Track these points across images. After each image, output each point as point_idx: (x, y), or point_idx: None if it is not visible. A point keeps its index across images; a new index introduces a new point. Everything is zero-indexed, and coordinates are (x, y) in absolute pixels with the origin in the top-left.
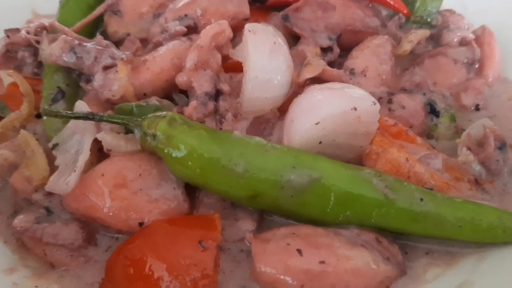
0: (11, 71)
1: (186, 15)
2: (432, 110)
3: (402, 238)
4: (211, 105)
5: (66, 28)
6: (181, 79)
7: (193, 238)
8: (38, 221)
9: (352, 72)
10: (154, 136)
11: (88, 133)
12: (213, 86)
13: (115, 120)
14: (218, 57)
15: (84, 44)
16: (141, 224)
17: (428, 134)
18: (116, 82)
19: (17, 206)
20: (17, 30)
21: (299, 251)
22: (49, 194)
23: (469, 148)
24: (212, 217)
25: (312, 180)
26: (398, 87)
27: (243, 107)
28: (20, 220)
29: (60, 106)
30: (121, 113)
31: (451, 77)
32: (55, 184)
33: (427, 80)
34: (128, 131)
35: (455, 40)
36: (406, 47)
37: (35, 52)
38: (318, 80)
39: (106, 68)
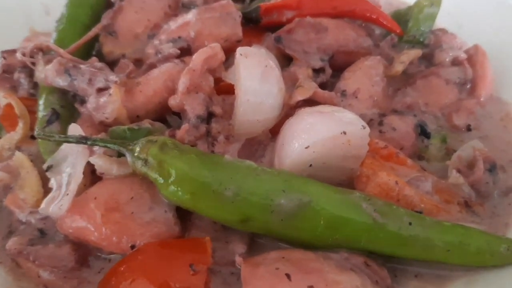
0: (7, 93)
1: (179, 37)
2: (422, 132)
3: (391, 261)
4: (202, 128)
5: (61, 50)
6: (173, 102)
7: (184, 262)
8: (32, 243)
9: (343, 93)
10: (145, 161)
11: (81, 156)
12: (205, 108)
13: (108, 145)
14: (211, 80)
15: (79, 66)
16: (132, 247)
17: (419, 155)
18: (110, 105)
19: (12, 227)
20: (13, 51)
21: (287, 275)
22: (43, 216)
23: (459, 170)
24: (203, 240)
25: (302, 204)
26: (390, 107)
27: (235, 129)
28: (14, 242)
29: (54, 128)
30: (114, 136)
31: (443, 97)
32: (48, 207)
33: (418, 101)
34: (120, 154)
35: (447, 59)
36: (398, 67)
37: (31, 73)
38: (310, 101)
39: (100, 90)
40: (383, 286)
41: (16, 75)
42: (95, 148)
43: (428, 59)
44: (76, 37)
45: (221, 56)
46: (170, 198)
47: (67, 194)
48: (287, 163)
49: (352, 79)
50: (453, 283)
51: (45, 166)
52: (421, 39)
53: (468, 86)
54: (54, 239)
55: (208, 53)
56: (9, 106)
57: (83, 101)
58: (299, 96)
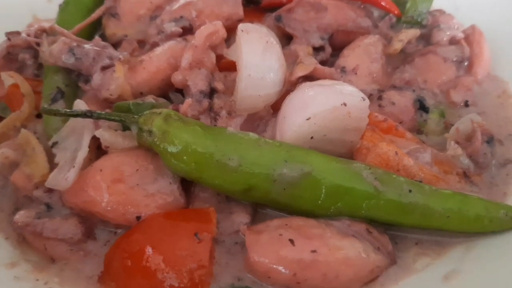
0: (12, 72)
1: (181, 17)
2: (421, 106)
3: (392, 229)
4: (205, 102)
5: (65, 31)
6: (176, 78)
7: (189, 231)
8: (39, 217)
9: (343, 70)
10: (150, 132)
11: (86, 131)
12: (207, 84)
13: (113, 118)
14: (213, 56)
15: (83, 45)
16: (138, 218)
17: (418, 129)
18: (114, 82)
19: (19, 203)
20: (18, 33)
21: (291, 241)
22: (49, 190)
23: (457, 142)
24: (208, 211)
25: (304, 174)
26: (388, 84)
27: (237, 105)
28: (21, 216)
29: (59, 106)
30: (118, 111)
31: (441, 74)
32: (55, 180)
33: (417, 77)
34: (125, 128)
35: (444, 39)
36: (397, 46)
37: (36, 54)
38: (310, 78)
39: (104, 68)
40: (384, 252)
41: (21, 56)
42: (101, 123)
43: (425, 39)
44: (79, 19)
45: (223, 33)
46: (174, 169)
47: (73, 167)
48: (289, 135)
49: (351, 56)
50: (453, 249)
51: (50, 143)
52: (419, 20)
53: (465, 64)
54: (60, 212)
55: (210, 29)
56: (14, 86)
57: (87, 80)
58: (300, 72)
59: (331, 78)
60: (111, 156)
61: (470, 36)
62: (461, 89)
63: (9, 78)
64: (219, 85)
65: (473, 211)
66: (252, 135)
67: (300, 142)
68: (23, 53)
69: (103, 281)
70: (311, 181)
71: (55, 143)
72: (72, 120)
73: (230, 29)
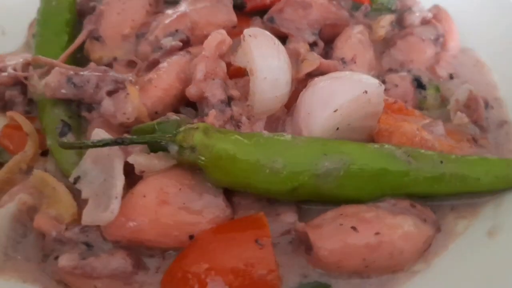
0: (11, 112)
1: (177, 30)
2: (419, 84)
3: (428, 200)
4: (228, 111)
5: (54, 60)
6: (192, 91)
7: (248, 239)
8: (83, 257)
9: (343, 61)
10: (192, 148)
11: (116, 158)
12: (224, 93)
13: (147, 140)
14: (223, 65)
15: (80, 73)
16: (191, 237)
17: (419, 107)
18: (129, 105)
19: (47, 249)
20: (0, 70)
21: (353, 228)
22: (84, 228)
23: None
24: (258, 216)
25: (344, 163)
26: (382, 70)
27: (255, 109)
28: (65, 260)
29: (70, 139)
30: (141, 134)
31: (423, 53)
32: (94, 216)
33: (404, 59)
34: (153, 149)
35: (416, 21)
36: (380, 32)
37: (24, 90)
38: (313, 74)
39: (111, 93)
40: (430, 223)
41: (7, 94)
42: (130, 148)
43: (398, 23)
44: (59, 47)
45: (229, 40)
46: (219, 181)
47: (116, 198)
48: (318, 129)
49: (346, 47)
50: (484, 208)
51: (71, 179)
52: (389, 6)
53: (441, 40)
54: (103, 248)
55: (218, 38)
56: (8, 127)
57: (90, 108)
58: (307, 68)
59: (335, 70)
60: (150, 180)
61: (437, 15)
62: (443, 63)
63: (1, 119)
64: (234, 92)
65: (498, 170)
66: (287, 135)
67: (327, 135)
68: (10, 91)
69: None
70: (352, 169)
71: (77, 179)
72: (91, 151)
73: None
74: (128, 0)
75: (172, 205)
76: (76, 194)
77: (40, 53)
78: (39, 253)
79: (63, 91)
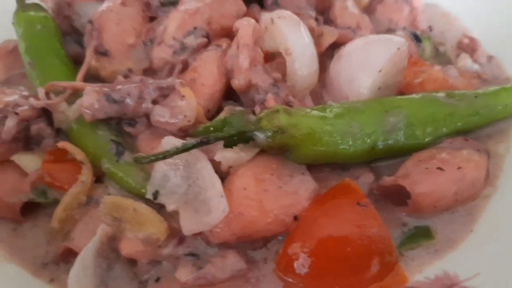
0: (63, 142)
1: (195, 28)
2: (416, 38)
3: (467, 134)
4: (282, 93)
5: (74, 82)
6: (241, 82)
7: (350, 204)
8: (199, 267)
9: (352, 29)
10: (282, 130)
11: (201, 160)
12: (271, 77)
13: (232, 133)
14: (260, 51)
15: (117, 87)
16: (295, 218)
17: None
18: (187, 107)
19: (142, 276)
20: (17, 104)
21: (439, 168)
22: (180, 242)
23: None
24: (346, 182)
25: (405, 116)
26: (380, 31)
27: (297, 87)
28: (185, 274)
29: (127, 157)
30: (207, 133)
31: (401, 12)
32: (198, 223)
33: (391, 19)
34: (228, 143)
35: None
36: (364, 0)
37: (50, 121)
38: (333, 45)
39: (156, 102)
40: (483, 151)
41: (34, 127)
42: (211, 147)
43: None
44: (63, 70)
45: (259, 27)
46: (308, 156)
47: (222, 196)
48: (365, 92)
49: (347, 17)
50: None
51: (149, 195)
52: None
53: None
54: (209, 254)
55: (251, 26)
56: (47, 162)
57: (131, 124)
58: (328, 40)
59: (351, 38)
60: (242, 172)
61: None
62: (420, 18)
63: (32, 160)
64: (276, 75)
65: None
66: (347, 101)
67: (372, 96)
68: (36, 124)
69: None
70: (410, 120)
71: (156, 193)
72: (159, 163)
73: None
74: (120, 9)
75: (272, 191)
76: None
77: (47, 80)
78: (132, 281)
79: (105, 110)
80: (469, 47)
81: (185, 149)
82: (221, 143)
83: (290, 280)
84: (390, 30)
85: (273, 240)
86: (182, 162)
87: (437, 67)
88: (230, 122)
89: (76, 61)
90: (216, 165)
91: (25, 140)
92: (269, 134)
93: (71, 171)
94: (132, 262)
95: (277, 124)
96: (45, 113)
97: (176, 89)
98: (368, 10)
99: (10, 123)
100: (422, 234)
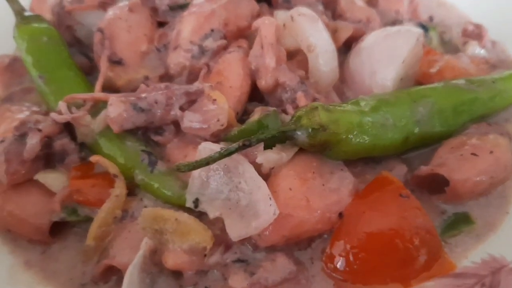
0: (96, 156)
1: (212, 30)
2: (424, 28)
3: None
4: (310, 91)
5: (94, 94)
6: (269, 81)
7: (392, 196)
8: (251, 273)
9: (362, 22)
10: (323, 127)
11: (243, 164)
12: (296, 75)
13: (273, 134)
14: (283, 49)
15: (143, 96)
16: (340, 214)
17: None
18: (219, 111)
19: (188, 285)
20: (38, 120)
21: (473, 154)
22: (227, 248)
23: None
24: (384, 175)
25: (432, 104)
26: (387, 23)
27: (321, 83)
28: (238, 281)
29: (161, 167)
30: (243, 136)
31: (402, 3)
32: (246, 228)
33: (395, 10)
34: (267, 145)
35: None
36: None
37: (73, 135)
38: (348, 40)
39: (183, 108)
40: (505, 134)
41: (58, 144)
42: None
43: None
44: (77, 82)
45: (279, 25)
46: (348, 152)
47: (270, 198)
48: (390, 84)
49: (356, 11)
50: None
51: (189, 204)
52: None
53: None
54: (258, 258)
55: (273, 24)
56: (75, 178)
57: (159, 132)
58: (344, 35)
59: (363, 33)
60: (284, 173)
61: None
62: (420, 9)
63: (61, 177)
64: (300, 73)
65: None
66: (376, 94)
67: (396, 87)
68: (59, 139)
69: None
70: (439, 108)
71: (196, 201)
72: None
73: None
74: (129, 16)
75: (316, 190)
76: None
77: (63, 93)
78: None
79: (132, 120)
80: (474, 33)
81: (229, 153)
82: (258, 145)
83: (340, 277)
84: (397, 22)
85: (318, 240)
86: (221, 167)
87: (447, 56)
88: (265, 124)
89: (83, 72)
90: (256, 168)
91: (46, 157)
92: (310, 132)
93: (101, 186)
94: (176, 274)
95: (318, 122)
96: (67, 128)
97: (204, 94)
98: (370, 3)
99: (33, 141)
100: (462, 220)
